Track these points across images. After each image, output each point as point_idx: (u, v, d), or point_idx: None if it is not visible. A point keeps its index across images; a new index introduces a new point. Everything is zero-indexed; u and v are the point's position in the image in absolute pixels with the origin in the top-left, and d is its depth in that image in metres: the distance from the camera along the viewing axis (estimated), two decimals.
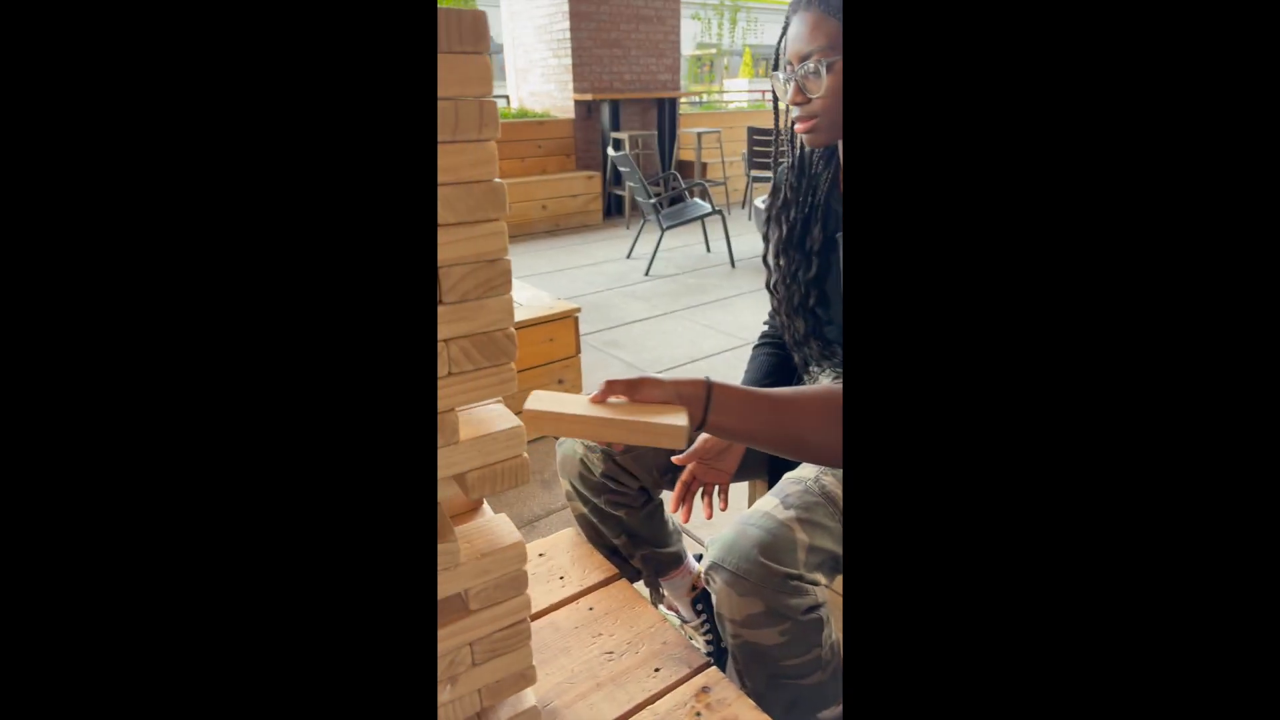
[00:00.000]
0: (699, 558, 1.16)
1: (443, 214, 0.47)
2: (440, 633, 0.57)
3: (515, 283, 2.30)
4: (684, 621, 1.13)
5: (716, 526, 1.51)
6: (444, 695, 0.59)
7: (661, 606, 1.14)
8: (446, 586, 0.56)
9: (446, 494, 0.58)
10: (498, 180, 0.48)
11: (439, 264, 0.47)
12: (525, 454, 0.56)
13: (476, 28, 0.44)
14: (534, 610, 0.83)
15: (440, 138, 0.45)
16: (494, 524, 0.61)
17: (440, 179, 0.46)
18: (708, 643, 1.11)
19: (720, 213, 4.12)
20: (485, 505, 0.69)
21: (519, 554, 0.59)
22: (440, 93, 0.44)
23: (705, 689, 0.72)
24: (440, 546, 0.54)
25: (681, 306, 3.45)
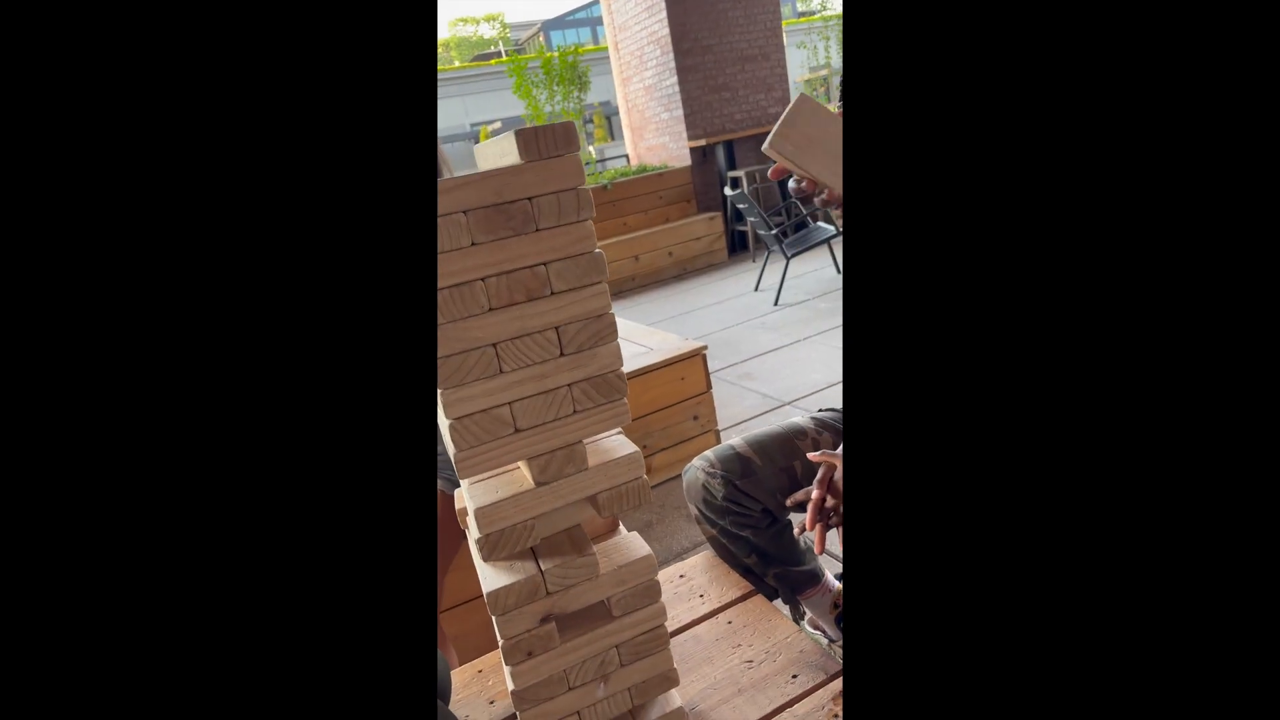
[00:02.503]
0: (840, 576, 1.18)
1: (556, 283, 0.58)
2: (589, 636, 0.66)
3: (646, 329, 2.44)
4: (831, 641, 1.15)
5: None
6: (599, 693, 0.68)
7: (806, 625, 1.17)
8: (589, 595, 0.65)
9: (584, 516, 0.68)
10: (597, 250, 0.59)
11: (558, 324, 0.59)
12: (645, 476, 0.65)
13: (568, 135, 0.55)
14: (677, 625, 0.91)
15: (549, 224, 0.57)
16: (627, 541, 0.70)
17: (552, 256, 0.57)
18: None
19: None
20: (620, 526, 0.79)
21: (650, 565, 0.67)
22: (545, 189, 0.56)
23: (841, 694, 0.75)
24: (579, 560, 0.64)
25: (814, 332, 3.42)
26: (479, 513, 0.60)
